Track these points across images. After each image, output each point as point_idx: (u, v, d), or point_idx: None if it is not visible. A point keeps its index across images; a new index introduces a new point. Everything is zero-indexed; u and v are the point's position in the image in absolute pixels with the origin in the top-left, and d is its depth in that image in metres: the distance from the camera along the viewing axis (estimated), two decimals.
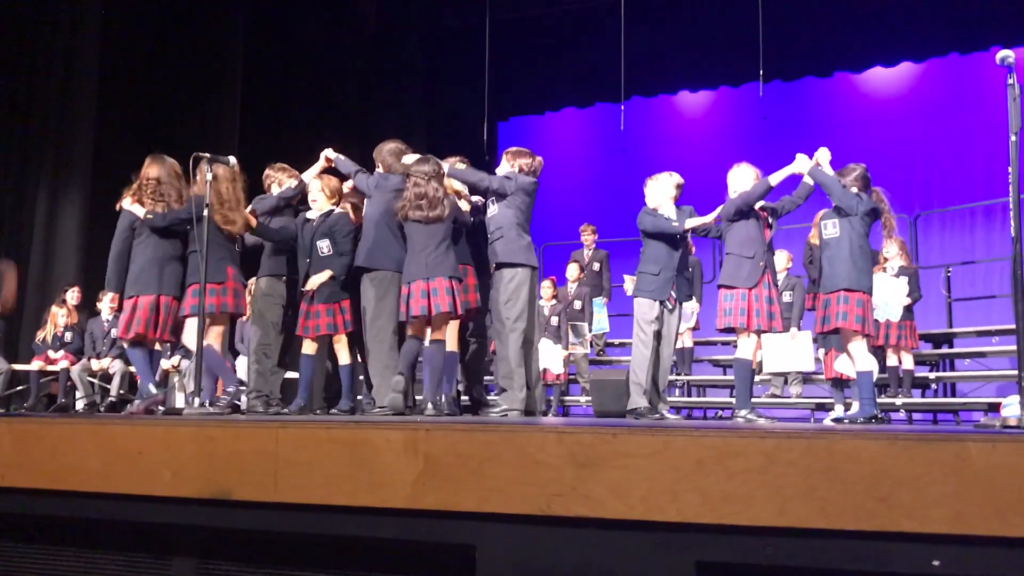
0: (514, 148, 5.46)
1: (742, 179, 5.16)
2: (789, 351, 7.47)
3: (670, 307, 5.42)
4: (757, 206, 5.13)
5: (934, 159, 11.42)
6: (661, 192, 5.51)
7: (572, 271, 9.40)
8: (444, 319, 4.83)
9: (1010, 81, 3.36)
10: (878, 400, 7.60)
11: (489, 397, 5.83)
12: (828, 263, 4.93)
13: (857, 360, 4.88)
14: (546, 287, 8.47)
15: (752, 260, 5.02)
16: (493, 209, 5.25)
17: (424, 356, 4.98)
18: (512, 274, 5.10)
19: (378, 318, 5.06)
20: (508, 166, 5.33)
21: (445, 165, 5.16)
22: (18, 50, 9.55)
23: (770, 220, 5.21)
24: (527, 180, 5.26)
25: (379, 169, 5.32)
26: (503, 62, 11.30)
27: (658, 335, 5.41)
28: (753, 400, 5.48)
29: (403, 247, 4.96)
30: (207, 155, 4.76)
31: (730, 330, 5.13)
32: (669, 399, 6.36)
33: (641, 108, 12.35)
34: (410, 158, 5.10)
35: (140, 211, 5.07)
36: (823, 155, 4.96)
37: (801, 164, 4.99)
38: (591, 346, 9.68)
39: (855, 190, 4.88)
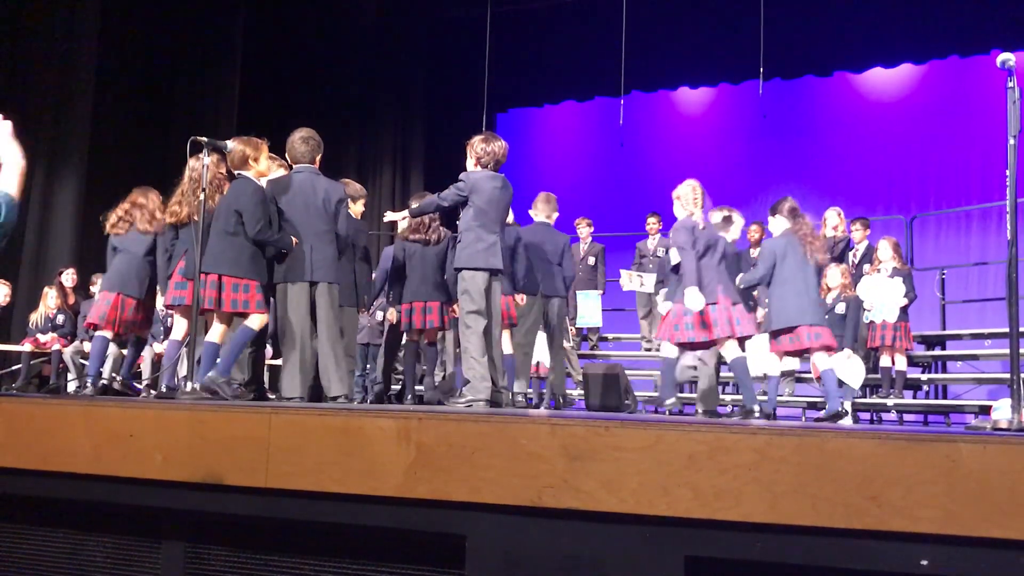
0: (474, 138, 5.19)
1: (684, 201, 5.73)
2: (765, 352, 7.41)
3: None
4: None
5: (932, 161, 11.43)
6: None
7: None
8: None
9: (1010, 84, 3.35)
10: (869, 400, 7.68)
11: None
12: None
13: (824, 363, 5.66)
14: None
15: (705, 287, 5.58)
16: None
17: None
18: (471, 275, 5.00)
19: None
20: (471, 160, 5.13)
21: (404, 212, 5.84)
22: (15, 33, 9.49)
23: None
24: (479, 176, 5.00)
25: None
26: (503, 54, 11.27)
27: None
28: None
29: None
30: (205, 139, 4.72)
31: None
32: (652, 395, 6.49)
33: (640, 103, 12.32)
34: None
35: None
36: (693, 301, 5.46)
37: (691, 303, 5.48)
38: (586, 340, 9.68)
39: (785, 221, 5.76)
